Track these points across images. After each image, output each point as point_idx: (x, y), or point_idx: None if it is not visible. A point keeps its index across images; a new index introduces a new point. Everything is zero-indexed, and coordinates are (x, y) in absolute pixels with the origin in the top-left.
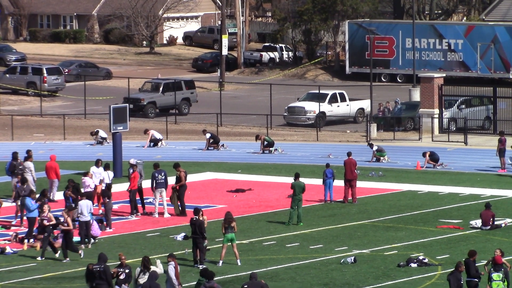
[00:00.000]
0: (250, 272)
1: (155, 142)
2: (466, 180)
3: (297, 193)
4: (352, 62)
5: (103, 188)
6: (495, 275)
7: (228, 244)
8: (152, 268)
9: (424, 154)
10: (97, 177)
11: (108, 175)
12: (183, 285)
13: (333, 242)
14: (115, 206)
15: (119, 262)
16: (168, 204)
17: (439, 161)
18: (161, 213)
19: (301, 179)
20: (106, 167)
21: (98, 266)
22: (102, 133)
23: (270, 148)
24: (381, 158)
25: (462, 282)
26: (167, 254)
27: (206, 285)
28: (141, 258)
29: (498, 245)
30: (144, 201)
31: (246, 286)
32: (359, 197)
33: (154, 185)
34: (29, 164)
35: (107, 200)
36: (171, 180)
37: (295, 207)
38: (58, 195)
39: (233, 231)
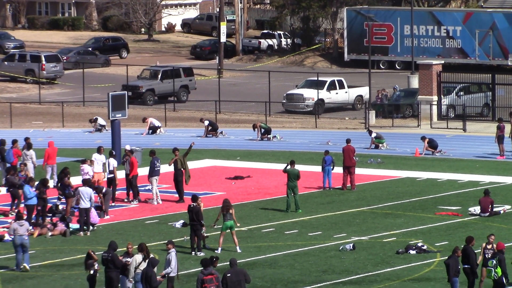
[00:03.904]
0: (248, 258)
1: (153, 129)
2: (465, 167)
3: (291, 180)
4: (350, 49)
5: (109, 176)
6: (489, 262)
7: (227, 231)
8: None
9: (423, 139)
10: (99, 164)
11: (109, 163)
12: (182, 273)
13: (332, 229)
14: (118, 193)
15: (126, 251)
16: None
17: (438, 148)
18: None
19: (300, 166)
20: (110, 155)
21: (106, 254)
22: (100, 121)
23: (268, 136)
24: (380, 145)
25: (459, 267)
26: (166, 241)
27: (204, 273)
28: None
29: (496, 231)
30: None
31: (229, 275)
32: (358, 184)
33: (152, 172)
34: (32, 152)
35: (107, 188)
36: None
37: (290, 194)
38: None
39: (232, 218)
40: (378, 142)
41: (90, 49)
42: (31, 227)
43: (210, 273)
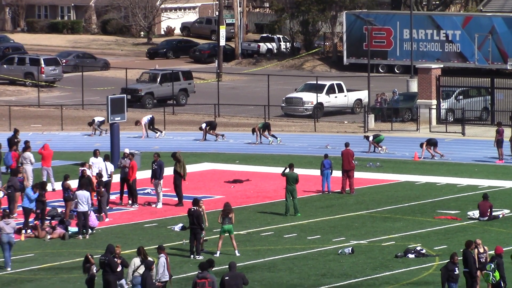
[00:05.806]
0: (247, 262)
1: (151, 123)
2: (464, 171)
3: (290, 183)
4: (349, 53)
5: (106, 179)
6: (487, 266)
7: (226, 235)
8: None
9: (421, 145)
10: (96, 168)
11: (106, 166)
12: (180, 276)
13: (330, 233)
14: (112, 197)
15: (113, 255)
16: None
17: (438, 148)
18: (154, 203)
19: (299, 170)
20: (106, 158)
21: (103, 258)
22: (98, 118)
23: (268, 136)
24: (379, 148)
25: (456, 273)
26: (156, 247)
27: (199, 276)
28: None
29: (495, 236)
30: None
31: (227, 278)
32: (357, 187)
33: (161, 175)
34: (29, 155)
35: (103, 190)
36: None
37: (289, 198)
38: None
39: (231, 222)
40: (377, 141)
41: None
42: (28, 230)
43: (204, 277)
